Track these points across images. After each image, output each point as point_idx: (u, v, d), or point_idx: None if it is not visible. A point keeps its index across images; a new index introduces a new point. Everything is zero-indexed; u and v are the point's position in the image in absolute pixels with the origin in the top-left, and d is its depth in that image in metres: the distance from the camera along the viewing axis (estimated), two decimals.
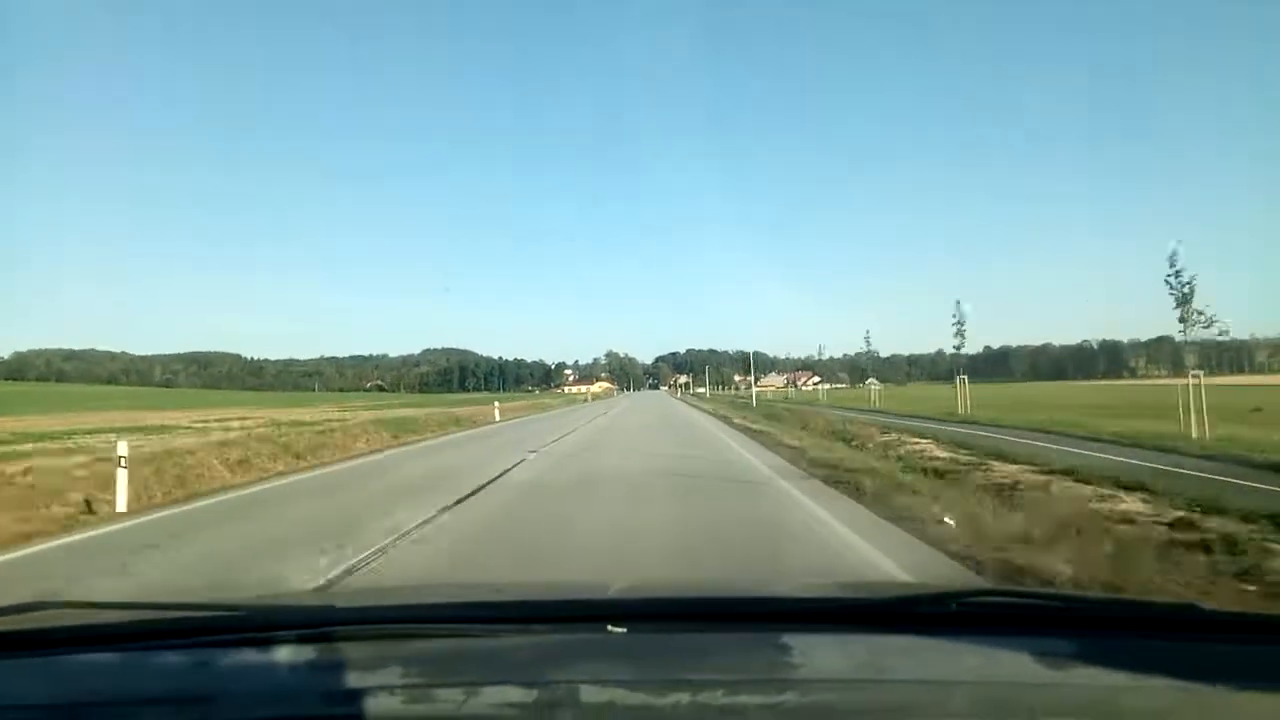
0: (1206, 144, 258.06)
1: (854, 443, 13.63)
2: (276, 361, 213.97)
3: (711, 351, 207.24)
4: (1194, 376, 14.49)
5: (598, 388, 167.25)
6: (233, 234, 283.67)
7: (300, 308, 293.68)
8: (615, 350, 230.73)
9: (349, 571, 4.93)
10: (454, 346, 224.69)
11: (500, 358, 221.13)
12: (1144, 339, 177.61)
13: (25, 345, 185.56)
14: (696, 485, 8.88)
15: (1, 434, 20.63)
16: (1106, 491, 7.30)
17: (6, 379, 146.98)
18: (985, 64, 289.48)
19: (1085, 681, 1.05)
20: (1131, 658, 1.08)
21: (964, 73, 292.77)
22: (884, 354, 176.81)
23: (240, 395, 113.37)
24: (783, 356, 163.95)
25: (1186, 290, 15.30)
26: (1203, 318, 15.14)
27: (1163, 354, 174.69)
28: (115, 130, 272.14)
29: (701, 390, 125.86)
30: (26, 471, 9.74)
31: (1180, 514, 5.95)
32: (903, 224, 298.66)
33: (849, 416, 22.60)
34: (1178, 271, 15.49)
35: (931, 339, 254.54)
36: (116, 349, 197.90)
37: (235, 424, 24.40)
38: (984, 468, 9.45)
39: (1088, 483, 7.88)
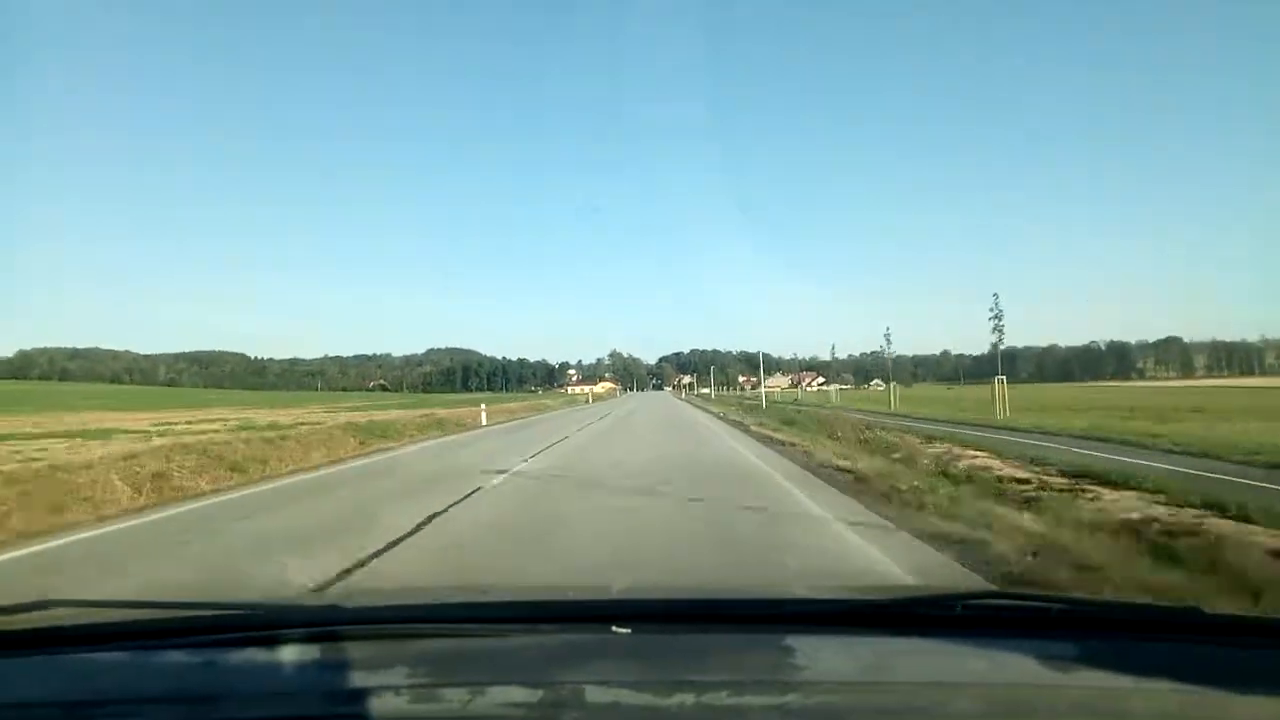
0: (1210, 144, 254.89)
1: (897, 456, 11.37)
2: (280, 361, 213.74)
3: (715, 352, 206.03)
4: None
5: (600, 388, 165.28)
6: (238, 233, 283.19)
7: (305, 307, 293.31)
8: (619, 350, 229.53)
9: None
10: (458, 346, 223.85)
11: (504, 358, 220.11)
12: (1151, 340, 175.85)
13: (30, 344, 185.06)
14: (734, 540, 5.70)
15: None
16: None
17: (10, 378, 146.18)
18: (988, 63, 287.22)
19: (1089, 684, 1.05)
20: (1135, 660, 1.08)
21: (966, 71, 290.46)
22: (890, 355, 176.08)
23: (240, 395, 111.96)
24: (787, 357, 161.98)
25: None
26: None
27: (1171, 355, 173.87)
28: (120, 129, 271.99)
29: (705, 391, 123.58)
30: None
31: None
32: (907, 224, 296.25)
33: (874, 421, 20.37)
34: None
35: (935, 340, 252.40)
36: (121, 348, 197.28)
37: (201, 427, 22.41)
38: (1088, 496, 7.26)
39: (1246, 520, 5.75)
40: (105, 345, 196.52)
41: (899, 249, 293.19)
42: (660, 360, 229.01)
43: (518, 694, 1.03)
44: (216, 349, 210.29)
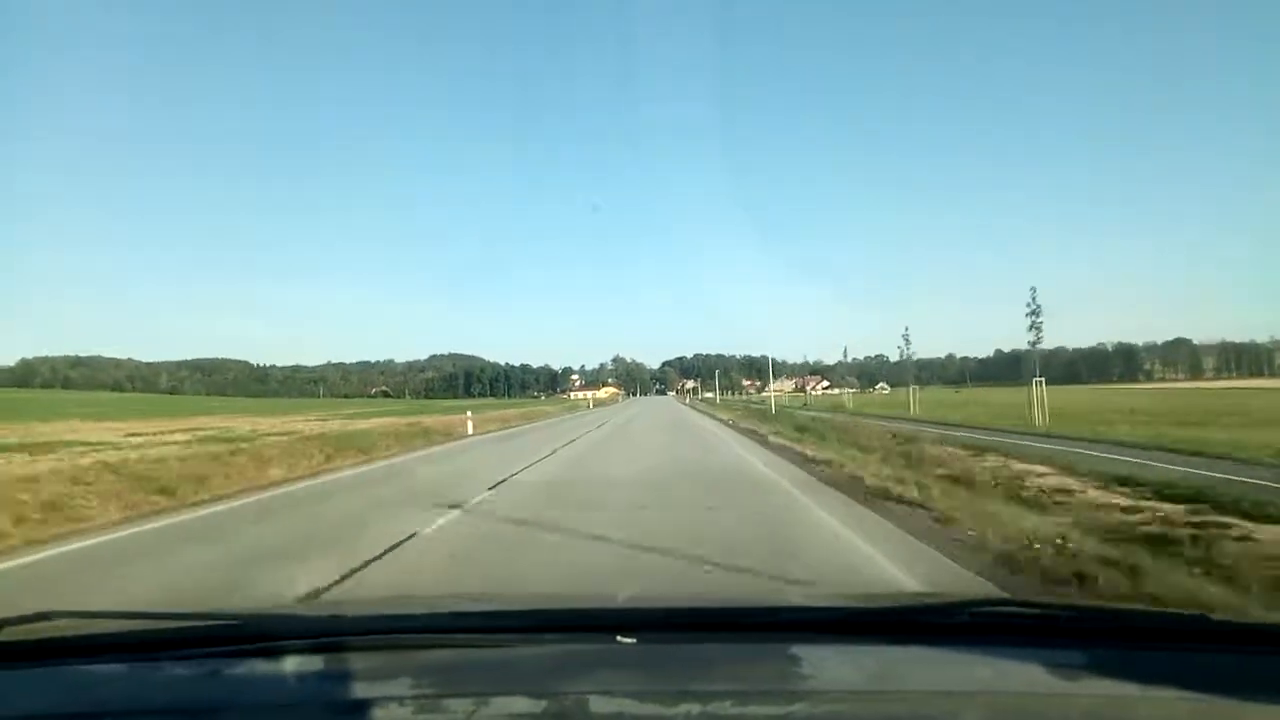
0: (1216, 144, 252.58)
1: (949, 474, 9.51)
2: (283, 368, 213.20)
3: (719, 356, 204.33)
4: None
5: (603, 393, 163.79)
6: (241, 241, 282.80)
7: (308, 314, 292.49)
8: (622, 355, 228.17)
9: None
10: (460, 352, 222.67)
11: (506, 363, 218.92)
12: (1159, 341, 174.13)
13: (33, 352, 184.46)
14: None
15: None
16: None
17: (12, 386, 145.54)
18: (991, 64, 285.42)
19: (1097, 692, 1.05)
20: (1143, 668, 1.07)
21: (968, 73, 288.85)
22: (892, 359, 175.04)
23: (240, 403, 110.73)
24: (790, 361, 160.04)
25: None
26: None
27: (1180, 356, 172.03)
28: (123, 136, 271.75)
29: (709, 395, 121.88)
30: None
31: None
32: (911, 227, 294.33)
33: (902, 430, 18.47)
34: None
35: (937, 343, 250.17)
36: (124, 356, 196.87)
37: (173, 438, 20.72)
38: (1232, 534, 5.51)
39: None
40: (108, 353, 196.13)
41: (902, 252, 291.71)
42: (664, 365, 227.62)
43: (522, 704, 1.04)
44: (219, 356, 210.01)
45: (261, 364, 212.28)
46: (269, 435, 18.94)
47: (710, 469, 11.54)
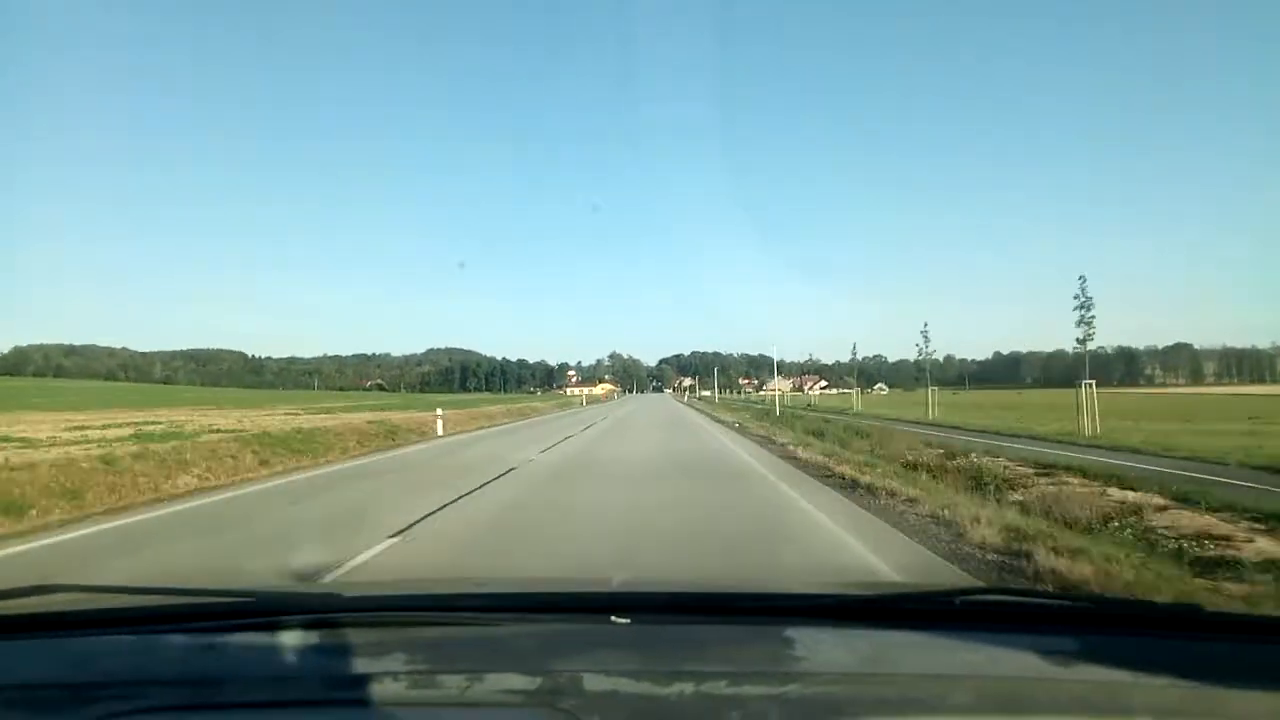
0: (1216, 146, 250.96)
1: (1031, 499, 7.53)
2: (278, 360, 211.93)
3: (716, 354, 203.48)
4: None
5: (599, 389, 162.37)
6: (238, 232, 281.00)
7: (304, 306, 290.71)
8: (619, 351, 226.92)
9: None
10: (457, 346, 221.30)
11: (503, 358, 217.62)
12: (1160, 346, 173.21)
13: (25, 340, 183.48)
14: None
15: None
16: None
17: (4, 374, 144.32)
18: (990, 64, 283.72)
19: (1088, 678, 1.06)
20: (1134, 655, 1.08)
21: (966, 73, 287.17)
22: (891, 359, 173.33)
23: (226, 393, 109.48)
24: (788, 360, 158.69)
25: None
26: None
27: (1180, 361, 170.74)
28: (120, 127, 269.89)
29: (706, 393, 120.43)
30: None
31: None
32: (909, 227, 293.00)
33: (943, 440, 16.01)
34: None
35: (934, 344, 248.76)
36: (118, 345, 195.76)
37: (114, 433, 19.05)
38: None
39: None
40: (102, 342, 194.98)
41: (900, 251, 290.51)
42: (661, 362, 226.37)
43: (516, 681, 1.04)
44: (215, 347, 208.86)
45: (257, 355, 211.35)
46: (213, 433, 17.52)
47: (737, 515, 7.28)
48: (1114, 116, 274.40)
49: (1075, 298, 20.59)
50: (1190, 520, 6.88)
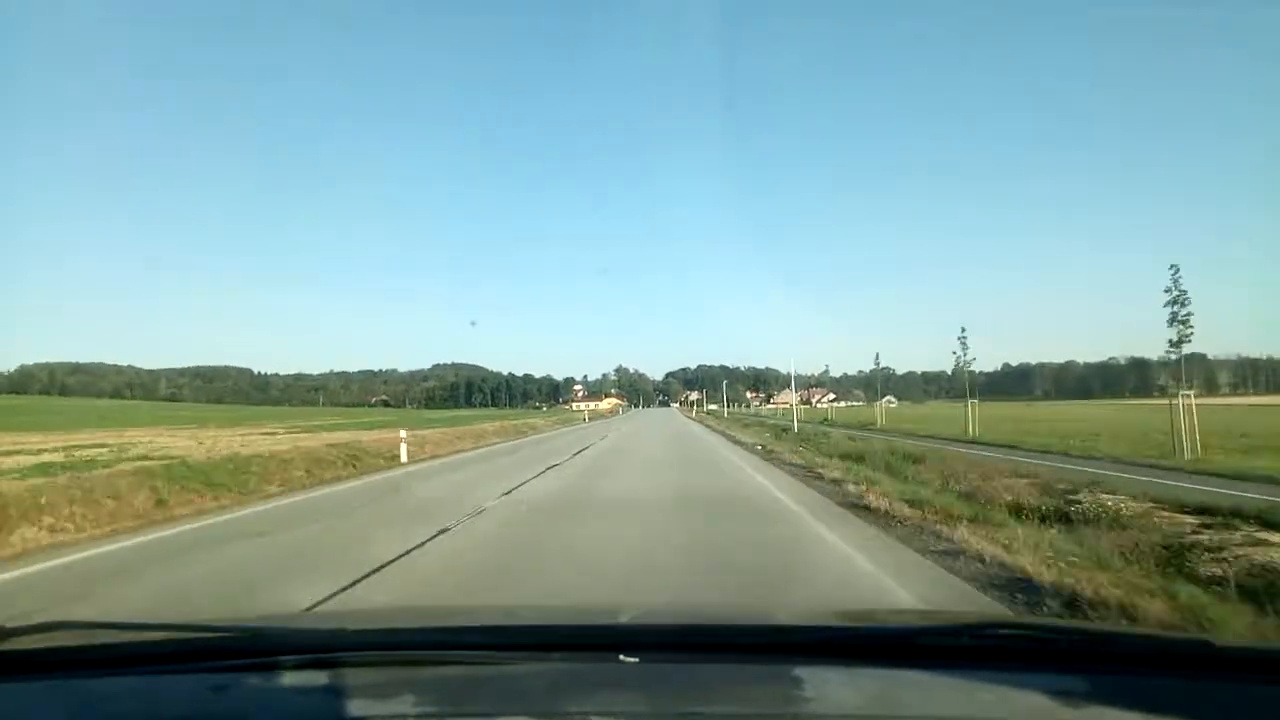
0: (1227, 153, 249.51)
1: None
2: (285, 376, 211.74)
3: (723, 368, 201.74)
4: None
5: (605, 404, 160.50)
6: (244, 249, 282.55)
7: (310, 323, 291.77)
8: (625, 366, 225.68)
9: None
10: (463, 362, 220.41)
11: (509, 373, 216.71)
12: (1171, 356, 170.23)
13: (31, 359, 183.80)
14: None
15: None
16: None
17: (9, 392, 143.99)
18: (993, 75, 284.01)
19: None
20: (1146, 696, 1.06)
21: (969, 87, 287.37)
22: (900, 371, 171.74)
23: (230, 411, 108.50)
24: (794, 373, 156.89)
25: None
26: None
27: (1193, 371, 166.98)
28: (124, 144, 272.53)
29: (713, 408, 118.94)
30: None
31: None
32: (916, 238, 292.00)
33: (1007, 464, 13.25)
34: None
35: (940, 357, 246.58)
36: (124, 363, 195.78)
37: (38, 458, 16.76)
38: None
39: None
40: (108, 360, 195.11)
41: (906, 265, 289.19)
42: (667, 376, 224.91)
43: None
44: (221, 364, 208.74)
45: (263, 372, 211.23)
46: (140, 460, 14.83)
47: None
48: (1114, 123, 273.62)
49: (1167, 291, 16.84)
50: None
